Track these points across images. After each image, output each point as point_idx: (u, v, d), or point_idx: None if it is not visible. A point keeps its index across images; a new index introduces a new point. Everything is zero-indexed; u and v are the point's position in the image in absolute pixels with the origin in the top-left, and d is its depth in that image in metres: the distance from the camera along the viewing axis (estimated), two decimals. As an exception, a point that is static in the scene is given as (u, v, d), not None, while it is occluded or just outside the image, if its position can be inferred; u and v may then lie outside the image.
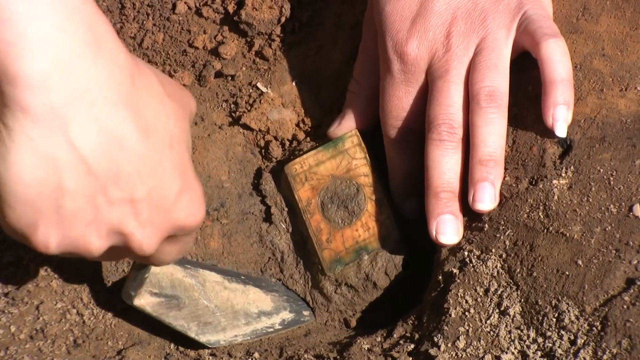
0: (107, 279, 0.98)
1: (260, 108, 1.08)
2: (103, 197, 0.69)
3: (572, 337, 0.79)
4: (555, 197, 0.88)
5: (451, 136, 0.93)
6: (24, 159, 0.65)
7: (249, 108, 1.09)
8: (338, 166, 1.02)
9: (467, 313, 0.85)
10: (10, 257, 0.94)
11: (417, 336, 0.89)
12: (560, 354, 0.79)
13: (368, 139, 1.04)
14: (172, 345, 0.96)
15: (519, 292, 0.85)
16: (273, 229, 1.06)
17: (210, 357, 0.95)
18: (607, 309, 0.79)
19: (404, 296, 1.03)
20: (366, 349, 0.90)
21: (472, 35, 0.93)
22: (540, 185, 0.89)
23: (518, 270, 0.86)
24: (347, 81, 1.07)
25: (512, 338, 0.82)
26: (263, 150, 1.09)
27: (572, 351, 0.78)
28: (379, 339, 0.92)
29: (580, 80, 0.94)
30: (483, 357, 0.82)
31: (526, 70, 0.94)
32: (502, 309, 0.84)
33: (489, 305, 0.85)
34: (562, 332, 0.80)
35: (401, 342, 0.90)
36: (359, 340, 0.92)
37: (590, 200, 0.86)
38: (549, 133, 0.90)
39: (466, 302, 0.86)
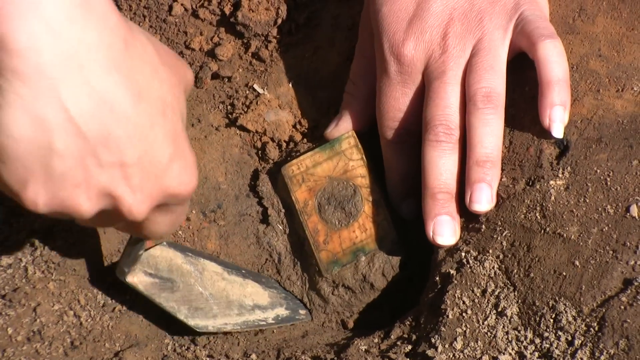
0: (104, 281, 0.98)
1: (257, 109, 1.08)
2: (93, 159, 0.69)
3: (569, 338, 0.79)
4: (552, 198, 0.88)
5: (448, 137, 0.93)
6: (14, 117, 0.65)
7: (245, 109, 1.08)
8: (335, 167, 1.02)
9: (464, 314, 0.85)
10: (7, 258, 0.94)
11: (414, 337, 0.89)
12: (558, 355, 0.79)
13: (365, 140, 1.04)
14: (169, 347, 0.96)
15: (516, 293, 0.85)
16: (270, 230, 1.06)
17: (208, 359, 0.95)
18: (604, 310, 0.79)
19: (401, 297, 1.03)
20: (363, 350, 0.90)
21: (468, 36, 0.94)
22: (537, 186, 0.89)
23: (515, 271, 0.86)
24: (344, 82, 1.07)
25: (510, 339, 0.82)
26: (260, 152, 1.09)
27: (569, 352, 0.78)
28: (376, 340, 0.92)
29: (576, 80, 0.94)
30: (480, 358, 0.82)
31: (523, 71, 0.94)
32: (499, 309, 0.84)
33: (486, 306, 0.85)
34: (560, 333, 0.80)
35: (398, 343, 0.90)
36: (356, 342, 0.92)
37: (587, 200, 0.86)
38: (545, 134, 0.91)
39: (463, 303, 0.86)
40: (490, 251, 0.89)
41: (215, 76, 1.09)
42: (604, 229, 0.84)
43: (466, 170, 0.92)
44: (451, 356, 0.83)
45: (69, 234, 0.96)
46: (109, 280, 0.97)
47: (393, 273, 1.02)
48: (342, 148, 1.03)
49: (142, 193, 0.73)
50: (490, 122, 0.91)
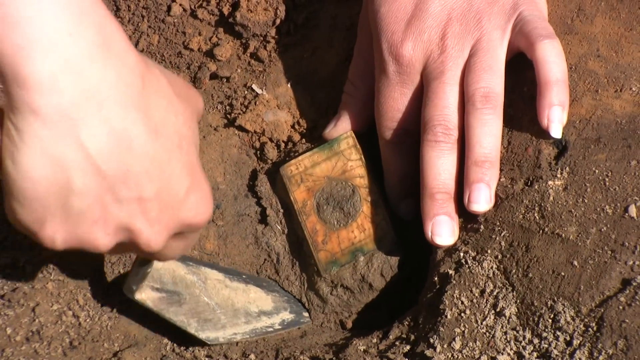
0: (103, 281, 0.98)
1: (255, 110, 1.08)
2: (111, 196, 0.69)
3: (568, 338, 0.79)
4: (551, 198, 0.88)
5: (447, 137, 0.93)
6: (33, 158, 0.65)
7: (244, 110, 1.09)
8: (334, 167, 1.02)
9: (462, 314, 0.85)
10: (6, 259, 0.94)
11: (413, 337, 0.89)
12: (556, 355, 0.79)
13: (363, 140, 1.04)
14: (168, 347, 0.96)
15: (514, 293, 0.85)
16: (269, 230, 1.06)
17: (206, 359, 0.95)
18: (602, 310, 0.79)
19: (399, 297, 1.03)
20: (362, 350, 0.90)
21: (467, 37, 0.94)
22: (536, 186, 0.89)
23: (514, 271, 0.86)
24: (343, 83, 1.07)
25: (508, 339, 0.82)
26: (258, 152, 1.09)
27: (568, 352, 0.78)
28: (374, 340, 0.92)
29: (575, 81, 0.94)
30: (479, 358, 0.82)
31: (521, 71, 0.94)
32: (497, 310, 0.84)
33: (485, 306, 0.85)
34: (558, 333, 0.80)
35: (397, 343, 0.90)
36: (354, 342, 0.92)
37: (586, 201, 0.86)
38: (544, 134, 0.91)
39: (462, 303, 0.86)
40: (489, 251, 0.89)
41: (213, 76, 1.09)
42: (602, 229, 0.84)
43: (465, 170, 0.92)
44: (450, 356, 0.83)
45: (68, 234, 0.96)
46: (108, 280, 0.97)
47: (392, 273, 1.02)
48: (340, 148, 1.03)
49: (159, 225, 0.73)
50: (488, 122, 0.91)
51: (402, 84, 0.97)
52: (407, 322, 0.92)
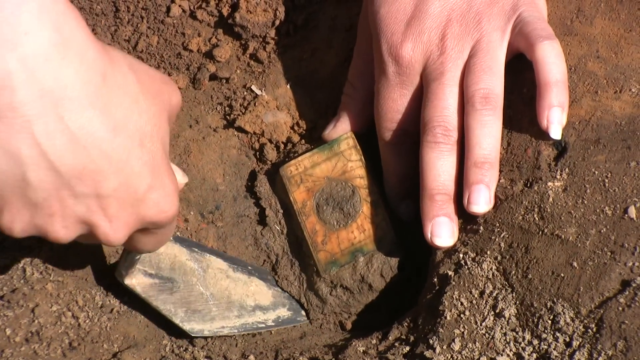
0: (102, 282, 0.98)
1: (254, 111, 1.08)
2: (68, 191, 0.70)
3: (567, 339, 0.79)
4: (550, 199, 0.88)
5: (446, 138, 0.93)
6: None
7: (243, 111, 1.09)
8: (333, 168, 1.02)
9: (462, 315, 0.85)
10: (5, 259, 0.94)
11: (412, 338, 0.89)
12: (556, 356, 0.79)
13: (363, 141, 1.04)
14: (167, 348, 0.96)
15: (514, 294, 0.85)
16: (268, 231, 1.06)
17: (206, 360, 0.95)
18: (602, 311, 0.79)
19: (399, 298, 1.03)
20: (361, 351, 0.90)
21: (466, 38, 0.93)
22: (535, 188, 0.89)
23: (513, 272, 0.86)
24: (342, 84, 1.07)
25: (508, 340, 0.82)
26: (258, 153, 1.09)
27: (567, 353, 0.78)
28: (374, 341, 0.92)
29: (574, 82, 0.94)
30: (478, 359, 0.82)
31: (521, 73, 0.94)
32: (497, 311, 0.84)
33: (484, 308, 0.85)
34: (558, 334, 0.80)
35: (396, 344, 0.90)
36: (354, 343, 0.92)
37: (585, 202, 0.86)
38: (543, 135, 0.90)
39: (461, 304, 0.86)
40: (488, 252, 0.89)
41: (213, 77, 1.08)
42: (602, 231, 0.84)
43: (464, 171, 0.92)
44: (449, 357, 0.83)
45: (67, 235, 0.96)
46: (107, 281, 0.97)
47: (391, 274, 1.02)
48: (340, 149, 1.03)
49: (118, 222, 0.74)
50: (488, 124, 0.91)
51: (401, 85, 0.97)
52: (406, 323, 0.92)
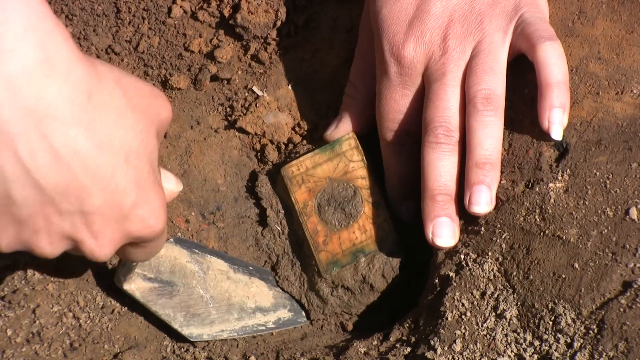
0: (103, 282, 0.98)
1: (256, 112, 1.08)
2: (52, 208, 0.70)
3: (568, 341, 0.79)
4: (552, 201, 0.88)
5: (448, 139, 0.93)
6: None
7: (244, 112, 1.08)
8: (335, 169, 1.02)
9: (463, 316, 0.85)
10: (6, 260, 0.94)
11: (413, 339, 0.89)
12: (557, 357, 0.79)
13: (364, 141, 1.04)
14: (168, 349, 0.96)
15: (515, 296, 0.84)
16: (268, 231, 1.06)
17: (207, 360, 0.95)
18: (603, 312, 0.79)
19: (400, 299, 1.03)
20: (362, 352, 0.90)
21: (468, 38, 0.93)
22: (537, 189, 0.89)
23: (514, 273, 0.86)
24: (343, 85, 1.07)
25: (509, 341, 0.82)
26: (259, 154, 1.09)
27: (568, 354, 0.78)
28: (375, 342, 0.92)
29: (576, 83, 0.94)
30: (479, 360, 0.82)
31: (522, 74, 0.94)
32: (498, 312, 0.84)
33: (486, 309, 0.85)
34: (559, 335, 0.80)
35: (398, 345, 0.90)
36: (355, 344, 0.92)
37: (587, 203, 0.86)
38: (545, 136, 0.90)
39: (462, 305, 0.86)
40: (490, 253, 0.89)
41: (214, 78, 1.08)
42: (603, 232, 0.84)
43: (465, 172, 0.92)
44: (450, 358, 0.83)
45: (68, 236, 0.96)
46: (108, 282, 0.97)
47: (393, 274, 1.02)
48: (342, 149, 1.03)
49: (103, 238, 0.75)
50: (489, 124, 0.91)
51: (403, 85, 0.97)
52: (407, 324, 0.92)
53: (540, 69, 0.90)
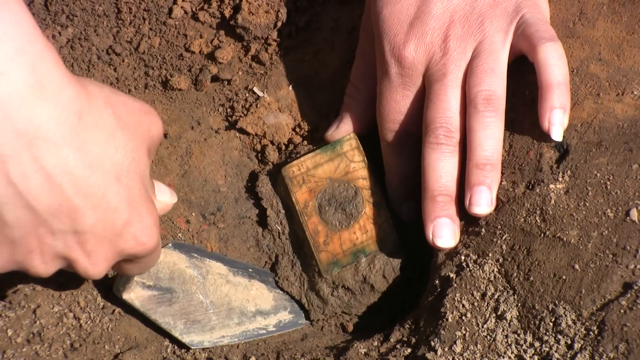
0: (104, 283, 0.98)
1: (256, 112, 1.08)
2: (45, 228, 0.71)
3: (569, 342, 0.79)
4: (552, 202, 0.88)
5: (448, 140, 0.93)
6: None
7: (245, 112, 1.08)
8: (336, 169, 1.02)
9: (464, 317, 0.85)
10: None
11: (414, 340, 0.89)
12: (557, 359, 0.79)
13: (365, 142, 1.04)
14: (169, 349, 0.96)
15: (515, 297, 0.84)
16: (268, 231, 1.06)
17: (207, 361, 0.95)
18: (604, 313, 0.79)
19: (400, 300, 1.03)
20: (363, 353, 0.90)
21: (469, 39, 0.93)
22: (537, 190, 0.89)
23: (515, 274, 0.86)
24: (344, 85, 1.07)
25: (509, 342, 0.82)
26: (259, 155, 1.09)
27: (569, 355, 0.78)
28: (375, 343, 0.92)
29: (577, 84, 0.94)
30: (480, 361, 0.82)
31: (523, 75, 0.94)
32: (499, 313, 0.84)
33: (486, 310, 0.85)
34: (559, 337, 0.80)
35: (398, 346, 0.90)
36: (355, 345, 0.92)
37: (587, 204, 0.86)
38: (545, 137, 0.90)
39: (463, 306, 0.86)
40: (490, 255, 0.89)
41: (215, 79, 1.08)
42: (604, 233, 0.84)
43: (466, 173, 0.92)
44: (450, 359, 0.83)
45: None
46: (109, 282, 0.97)
47: (394, 275, 1.02)
48: (343, 150, 1.03)
49: (96, 256, 0.75)
50: (490, 125, 0.91)
51: (404, 86, 0.97)
52: (408, 325, 0.92)
53: (541, 70, 0.90)
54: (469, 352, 0.83)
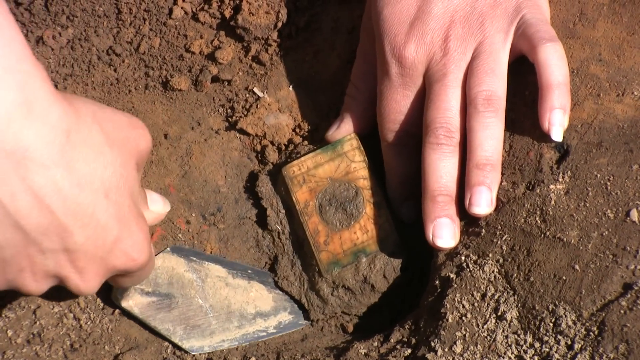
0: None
1: (256, 113, 1.08)
2: (35, 247, 0.71)
3: (569, 342, 0.79)
4: (552, 202, 0.88)
5: (448, 140, 0.93)
6: None
7: (245, 113, 1.08)
8: (337, 169, 1.02)
9: (464, 318, 0.85)
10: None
11: (414, 341, 0.89)
12: (558, 359, 0.78)
13: (366, 142, 1.04)
14: (169, 350, 0.96)
15: (516, 297, 0.84)
16: (268, 232, 1.06)
17: (207, 362, 0.95)
18: (604, 314, 0.79)
19: (401, 300, 1.03)
20: (363, 353, 0.90)
21: (469, 39, 0.93)
22: (537, 190, 0.89)
23: (515, 275, 0.86)
24: (344, 86, 1.07)
25: (509, 343, 0.82)
26: (259, 155, 1.09)
27: (569, 356, 0.78)
28: (375, 343, 0.92)
29: (577, 85, 0.94)
30: (480, 361, 0.82)
31: (523, 75, 0.94)
32: (499, 313, 0.84)
33: (486, 310, 0.85)
34: (559, 337, 0.80)
35: (398, 346, 0.90)
36: (355, 345, 0.92)
37: (587, 205, 0.86)
38: (545, 138, 0.90)
39: (463, 307, 0.86)
40: (490, 255, 0.89)
41: (215, 79, 1.08)
42: (604, 234, 0.84)
43: (466, 173, 0.92)
44: (451, 360, 0.83)
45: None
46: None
47: (394, 275, 1.02)
48: (344, 150, 1.03)
49: (88, 273, 0.76)
50: (490, 126, 0.91)
51: (404, 86, 0.97)
52: (408, 326, 0.92)
53: (541, 70, 0.90)
54: (469, 352, 0.83)
